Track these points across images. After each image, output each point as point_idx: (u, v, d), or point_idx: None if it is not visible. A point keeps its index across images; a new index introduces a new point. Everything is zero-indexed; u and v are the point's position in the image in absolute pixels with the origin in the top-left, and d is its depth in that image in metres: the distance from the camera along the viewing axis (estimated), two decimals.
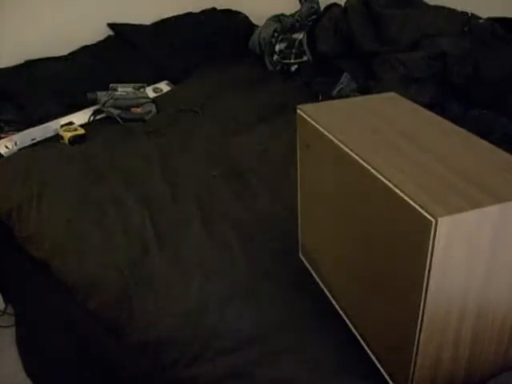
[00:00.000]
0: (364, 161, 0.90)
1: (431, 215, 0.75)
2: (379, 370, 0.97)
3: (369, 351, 1.01)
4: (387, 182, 0.84)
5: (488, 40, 1.92)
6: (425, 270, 0.78)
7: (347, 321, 1.08)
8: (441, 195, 0.79)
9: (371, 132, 1.01)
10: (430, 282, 0.79)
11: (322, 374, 0.99)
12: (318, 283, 1.19)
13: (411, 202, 0.78)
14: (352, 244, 1.01)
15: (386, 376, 0.96)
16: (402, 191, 0.81)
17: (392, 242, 0.85)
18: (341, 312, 1.10)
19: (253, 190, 1.59)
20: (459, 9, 2.11)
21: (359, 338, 1.04)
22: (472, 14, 2.06)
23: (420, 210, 0.77)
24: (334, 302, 1.13)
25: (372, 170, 0.88)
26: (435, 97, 1.87)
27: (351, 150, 0.94)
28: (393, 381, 0.94)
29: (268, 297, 1.18)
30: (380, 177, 0.86)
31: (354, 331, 1.05)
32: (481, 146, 0.95)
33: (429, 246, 0.76)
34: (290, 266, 1.26)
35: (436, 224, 0.74)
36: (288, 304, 1.15)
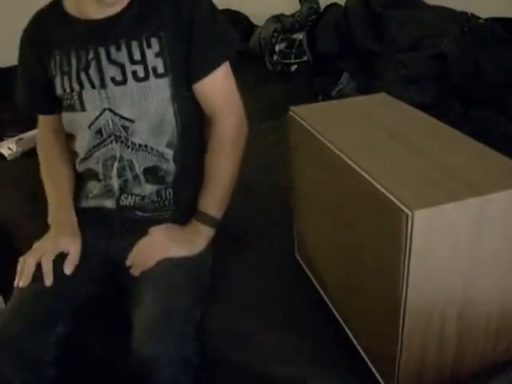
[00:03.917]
0: (347, 157, 0.90)
1: (407, 207, 0.74)
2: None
3: (359, 348, 1.01)
4: (366, 176, 0.84)
5: (488, 40, 1.92)
6: (402, 264, 0.77)
7: (339, 319, 1.08)
8: (419, 188, 0.79)
9: (358, 131, 1.01)
10: (410, 276, 0.78)
11: (318, 372, 1.00)
12: (313, 282, 1.19)
13: (388, 195, 0.78)
14: (340, 242, 1.01)
15: (375, 371, 0.96)
16: (380, 184, 0.81)
17: (373, 238, 0.85)
18: (333, 310, 1.11)
19: (252, 189, 1.59)
20: (459, 9, 2.11)
21: (350, 335, 1.04)
22: (472, 14, 2.06)
23: (397, 202, 0.76)
24: (327, 301, 1.13)
25: (353, 165, 0.88)
26: (435, 97, 1.87)
27: (336, 148, 0.94)
28: (381, 376, 0.95)
29: (267, 297, 1.18)
30: (361, 171, 0.86)
31: (346, 329, 1.06)
32: (468, 144, 0.94)
33: (407, 239, 0.75)
34: (286, 266, 1.27)
35: (412, 216, 0.74)
36: (285, 304, 1.16)
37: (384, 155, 0.90)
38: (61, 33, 1.17)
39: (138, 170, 1.18)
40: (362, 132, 1.00)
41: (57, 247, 1.13)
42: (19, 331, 1.02)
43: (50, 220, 1.21)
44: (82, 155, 1.22)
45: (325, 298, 1.14)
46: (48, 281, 1.08)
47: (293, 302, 1.16)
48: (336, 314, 1.09)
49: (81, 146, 1.21)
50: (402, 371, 0.88)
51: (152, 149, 1.17)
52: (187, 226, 1.16)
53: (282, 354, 1.05)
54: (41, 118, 1.32)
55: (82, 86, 1.15)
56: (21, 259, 1.12)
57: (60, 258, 1.13)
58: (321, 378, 0.99)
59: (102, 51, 1.13)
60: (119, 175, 1.19)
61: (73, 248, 1.14)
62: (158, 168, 1.18)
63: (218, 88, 1.18)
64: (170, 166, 1.19)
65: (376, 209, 0.82)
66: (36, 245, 1.15)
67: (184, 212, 1.21)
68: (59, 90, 1.18)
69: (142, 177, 1.18)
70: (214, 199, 1.18)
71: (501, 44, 1.90)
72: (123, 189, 1.20)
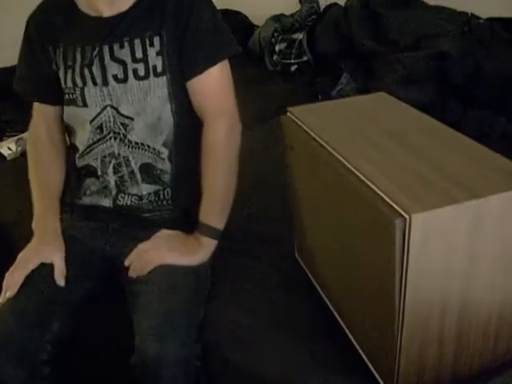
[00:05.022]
0: (344, 159, 0.90)
1: (405, 211, 0.74)
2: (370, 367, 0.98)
3: (359, 349, 1.01)
4: (363, 178, 0.84)
5: (488, 40, 1.93)
6: (399, 266, 0.77)
7: (339, 319, 1.08)
8: (417, 191, 0.79)
9: (355, 131, 1.01)
10: (408, 278, 0.78)
11: (319, 373, 1.00)
12: (313, 283, 1.19)
13: (386, 198, 0.78)
14: (337, 244, 1.01)
15: (375, 373, 0.96)
16: (377, 187, 0.81)
17: (370, 240, 0.85)
18: (333, 311, 1.11)
19: (252, 190, 1.59)
20: (459, 9, 2.11)
21: (350, 336, 1.04)
22: (472, 14, 2.06)
23: (394, 205, 0.76)
24: (327, 301, 1.13)
25: (350, 167, 0.88)
26: (435, 97, 1.87)
27: (333, 149, 0.94)
28: (381, 377, 0.95)
29: (267, 297, 1.18)
30: (357, 173, 0.86)
31: (346, 330, 1.06)
32: (467, 144, 0.94)
33: (404, 243, 0.75)
34: (286, 266, 1.27)
35: (410, 220, 0.74)
36: (284, 304, 1.16)
37: (381, 157, 0.90)
38: (68, 26, 1.18)
39: (134, 166, 1.19)
40: (359, 133, 1.00)
41: (39, 259, 1.12)
42: (14, 329, 1.02)
43: (34, 225, 1.20)
44: (81, 150, 1.23)
45: (324, 298, 1.14)
46: (11, 292, 1.06)
47: (292, 302, 1.16)
48: (336, 314, 1.09)
49: (81, 140, 1.22)
50: (402, 372, 0.88)
51: (149, 147, 1.18)
52: (190, 236, 1.16)
53: (282, 354, 1.05)
54: (36, 111, 1.30)
55: (84, 83, 1.16)
56: (6, 275, 1.11)
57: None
58: (321, 379, 0.99)
59: (106, 49, 1.14)
60: (115, 171, 1.20)
61: (56, 256, 1.13)
62: (154, 167, 1.19)
63: (210, 87, 1.17)
64: (165, 165, 1.19)
65: (373, 212, 0.81)
66: (20, 256, 1.14)
67: (183, 212, 1.21)
68: (61, 83, 1.19)
69: (138, 175, 1.19)
70: (213, 210, 1.17)
71: (501, 44, 1.90)
72: (120, 187, 1.21)
